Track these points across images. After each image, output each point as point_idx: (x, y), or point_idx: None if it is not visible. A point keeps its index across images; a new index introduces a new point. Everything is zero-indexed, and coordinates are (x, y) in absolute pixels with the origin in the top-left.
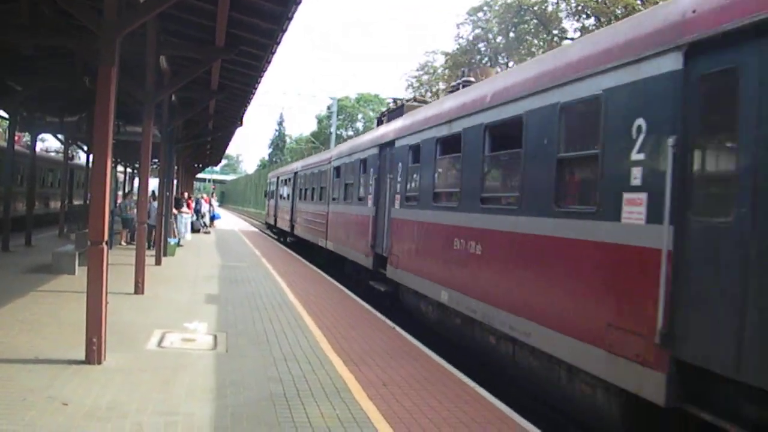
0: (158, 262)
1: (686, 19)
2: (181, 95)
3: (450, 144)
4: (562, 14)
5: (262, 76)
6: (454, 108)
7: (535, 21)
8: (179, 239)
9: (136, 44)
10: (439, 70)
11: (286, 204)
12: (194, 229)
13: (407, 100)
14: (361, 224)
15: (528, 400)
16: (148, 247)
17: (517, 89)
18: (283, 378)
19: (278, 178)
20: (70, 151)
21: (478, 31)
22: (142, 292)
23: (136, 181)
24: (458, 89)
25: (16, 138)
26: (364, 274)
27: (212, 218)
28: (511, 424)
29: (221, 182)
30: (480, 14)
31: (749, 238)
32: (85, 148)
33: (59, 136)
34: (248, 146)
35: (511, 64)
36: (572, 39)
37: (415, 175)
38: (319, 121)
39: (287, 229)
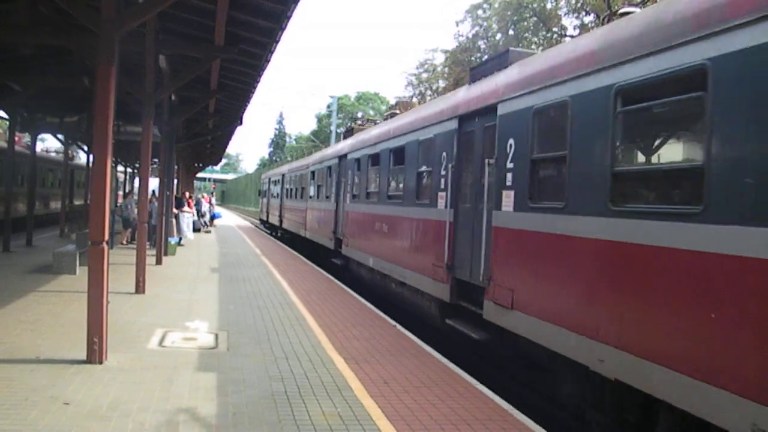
0: (159, 262)
1: (459, 104)
2: (181, 94)
3: (375, 159)
4: (561, 11)
5: (261, 75)
6: (376, 135)
7: (534, 18)
8: (181, 238)
9: (135, 43)
10: (439, 68)
11: (276, 201)
12: (195, 229)
13: (367, 120)
14: (327, 216)
15: (529, 396)
16: (150, 246)
17: (404, 127)
18: (284, 376)
19: (270, 179)
20: (70, 151)
21: (477, 28)
22: (143, 292)
23: (137, 180)
24: (388, 119)
25: (16, 138)
26: (328, 253)
27: (213, 217)
28: (512, 420)
29: (221, 181)
30: (479, 12)
31: (472, 219)
32: (86, 148)
33: (59, 136)
34: (248, 145)
35: None
36: (572, 36)
37: (357, 180)
38: (319, 119)
39: (277, 223)
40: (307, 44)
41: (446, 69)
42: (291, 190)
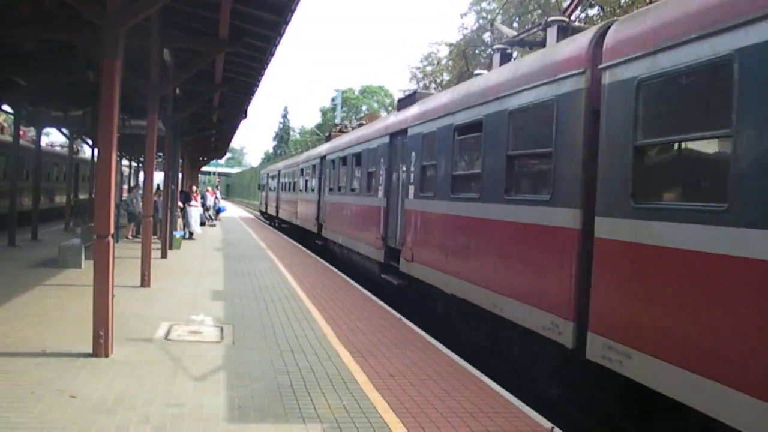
0: (164, 255)
1: (389, 125)
2: (186, 88)
3: (344, 161)
4: (566, 4)
5: (266, 69)
6: (345, 142)
7: (539, 11)
8: (191, 233)
9: (139, 37)
10: (443, 61)
11: (273, 194)
12: (200, 223)
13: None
14: (312, 206)
15: (534, 390)
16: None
17: (361, 138)
18: (289, 369)
19: (268, 174)
20: (75, 145)
21: (482, 21)
22: (149, 285)
23: (141, 174)
24: (356, 128)
25: (21, 132)
26: (313, 236)
27: (218, 211)
28: (518, 413)
29: (226, 175)
30: (484, 4)
31: (396, 204)
32: (90, 142)
33: (64, 130)
34: (253, 139)
35: (515, 55)
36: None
37: (332, 176)
38: (324, 113)
39: (274, 213)
40: (305, 38)
41: (450, 62)
42: (285, 184)
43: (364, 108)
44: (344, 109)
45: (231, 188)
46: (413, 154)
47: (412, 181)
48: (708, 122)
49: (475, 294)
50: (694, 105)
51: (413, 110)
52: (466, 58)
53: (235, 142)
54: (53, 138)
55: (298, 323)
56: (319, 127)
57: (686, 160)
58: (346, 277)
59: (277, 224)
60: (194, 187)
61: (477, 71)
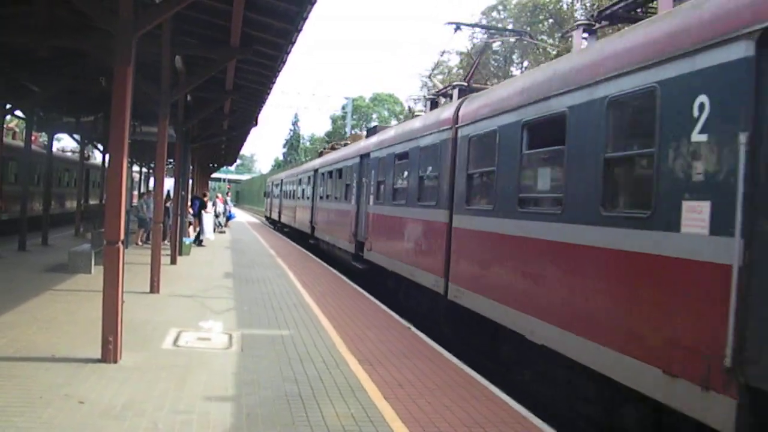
0: (173, 262)
1: (360, 148)
2: (196, 95)
3: (330, 174)
4: (577, 14)
5: (276, 76)
6: (332, 159)
7: (550, 20)
8: (199, 239)
9: (151, 44)
10: (454, 70)
11: (276, 201)
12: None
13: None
14: (307, 211)
15: (544, 400)
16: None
17: (342, 157)
18: (298, 378)
19: (272, 182)
20: (86, 151)
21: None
22: (158, 291)
23: (151, 180)
24: (342, 147)
25: (32, 138)
26: (307, 237)
27: (228, 218)
28: (527, 424)
29: (236, 182)
30: (494, 14)
31: (363, 209)
32: (101, 147)
33: (75, 136)
34: (263, 146)
35: (525, 63)
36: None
37: (327, 187)
38: (334, 120)
39: (276, 218)
40: (321, 43)
41: (461, 71)
42: (286, 192)
43: (374, 116)
44: (355, 116)
45: (240, 195)
46: (373, 171)
47: (372, 191)
48: (490, 161)
49: (402, 268)
50: (487, 152)
51: (374, 139)
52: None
53: (246, 149)
54: (64, 143)
55: (307, 331)
56: (329, 134)
57: (485, 182)
58: (356, 286)
59: (279, 227)
60: (207, 194)
61: (417, 111)
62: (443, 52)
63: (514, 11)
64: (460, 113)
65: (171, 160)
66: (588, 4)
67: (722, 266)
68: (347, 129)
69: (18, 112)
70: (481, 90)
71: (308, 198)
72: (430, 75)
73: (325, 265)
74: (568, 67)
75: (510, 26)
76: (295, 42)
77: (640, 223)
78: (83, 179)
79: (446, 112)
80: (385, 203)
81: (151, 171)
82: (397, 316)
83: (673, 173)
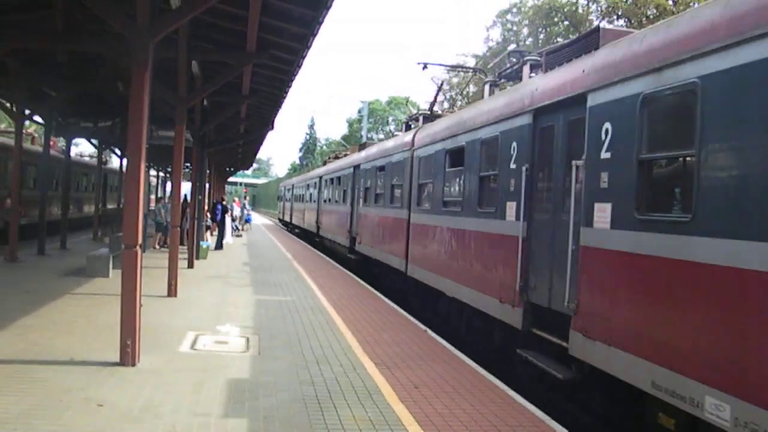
0: (191, 265)
1: (353, 161)
2: (213, 99)
3: (331, 182)
4: (592, 16)
5: (293, 80)
6: (335, 168)
7: (566, 22)
8: (220, 243)
9: (168, 49)
10: (470, 73)
11: (288, 204)
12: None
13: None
14: (314, 213)
15: (561, 403)
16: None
17: (338, 168)
18: (315, 380)
19: (284, 187)
20: (103, 156)
21: (507, 33)
22: (175, 295)
23: (168, 185)
24: (341, 157)
25: (51, 143)
26: (313, 236)
27: (246, 221)
28: (544, 428)
29: (252, 186)
30: (509, 16)
31: (355, 210)
32: (119, 152)
33: (93, 140)
34: (279, 150)
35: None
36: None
37: (329, 191)
38: (350, 124)
39: (288, 220)
40: (337, 46)
41: (477, 74)
42: (297, 196)
43: (390, 119)
44: (371, 120)
45: (257, 199)
46: (362, 180)
47: (361, 196)
48: (430, 175)
49: (380, 255)
50: (428, 169)
51: (363, 153)
52: (493, 70)
53: (262, 153)
54: (82, 148)
55: (324, 334)
56: (345, 138)
57: (428, 189)
58: (373, 290)
59: (290, 228)
60: (225, 198)
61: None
62: (457, 54)
63: (529, 14)
64: (415, 139)
65: (188, 165)
66: (603, 7)
67: (516, 237)
68: (363, 133)
69: (37, 118)
70: (440, 117)
71: (314, 201)
72: (441, 84)
73: (339, 266)
74: (465, 116)
75: (525, 30)
76: (311, 46)
77: (488, 215)
78: (101, 183)
79: (407, 137)
80: (370, 205)
81: (168, 175)
82: (413, 319)
83: (489, 189)
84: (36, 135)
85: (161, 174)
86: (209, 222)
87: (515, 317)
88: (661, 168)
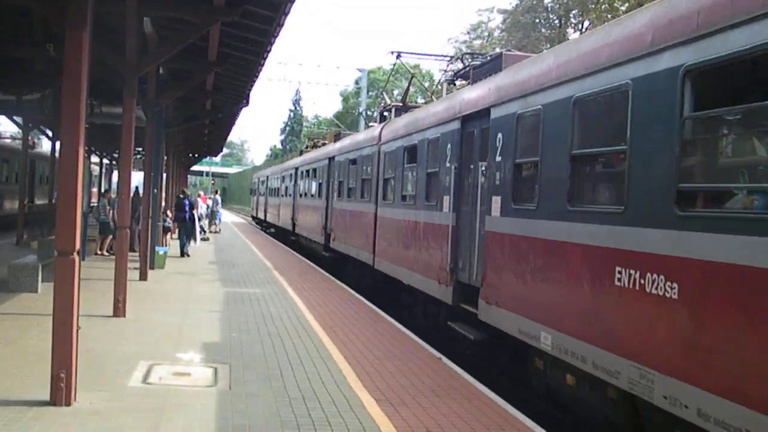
0: (143, 277)
1: (329, 151)
2: (172, 67)
3: (307, 173)
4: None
5: (272, 44)
6: (311, 158)
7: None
8: (187, 247)
9: (114, 3)
10: (495, 33)
11: (262, 198)
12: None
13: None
14: (289, 208)
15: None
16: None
17: (313, 159)
18: (300, 422)
19: (258, 179)
20: (30, 137)
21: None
22: (124, 315)
23: (115, 175)
24: (321, 146)
25: None
26: (287, 232)
27: (217, 219)
28: None
29: (222, 176)
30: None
31: (330, 204)
32: (50, 133)
33: (16, 118)
34: (257, 132)
35: (586, 23)
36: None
37: (303, 183)
38: (345, 98)
39: (262, 217)
40: (329, 5)
41: (504, 34)
42: (271, 189)
43: (395, 92)
44: (371, 93)
45: (228, 192)
46: (336, 172)
47: (336, 189)
48: (393, 170)
49: (350, 251)
50: (391, 164)
51: (338, 145)
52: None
53: (234, 136)
54: (3, 128)
55: (312, 362)
56: (339, 116)
57: (391, 183)
58: (374, 307)
59: (264, 227)
60: (187, 192)
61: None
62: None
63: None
64: (382, 134)
65: (140, 149)
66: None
67: (448, 225)
68: (361, 108)
69: None
70: (413, 109)
71: (290, 195)
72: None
73: (332, 277)
74: (419, 116)
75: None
76: (294, 0)
77: (432, 207)
78: (27, 173)
79: (375, 131)
80: (343, 200)
81: (114, 163)
82: (424, 344)
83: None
84: None
85: (106, 161)
86: (169, 223)
87: (447, 295)
88: (529, 170)
